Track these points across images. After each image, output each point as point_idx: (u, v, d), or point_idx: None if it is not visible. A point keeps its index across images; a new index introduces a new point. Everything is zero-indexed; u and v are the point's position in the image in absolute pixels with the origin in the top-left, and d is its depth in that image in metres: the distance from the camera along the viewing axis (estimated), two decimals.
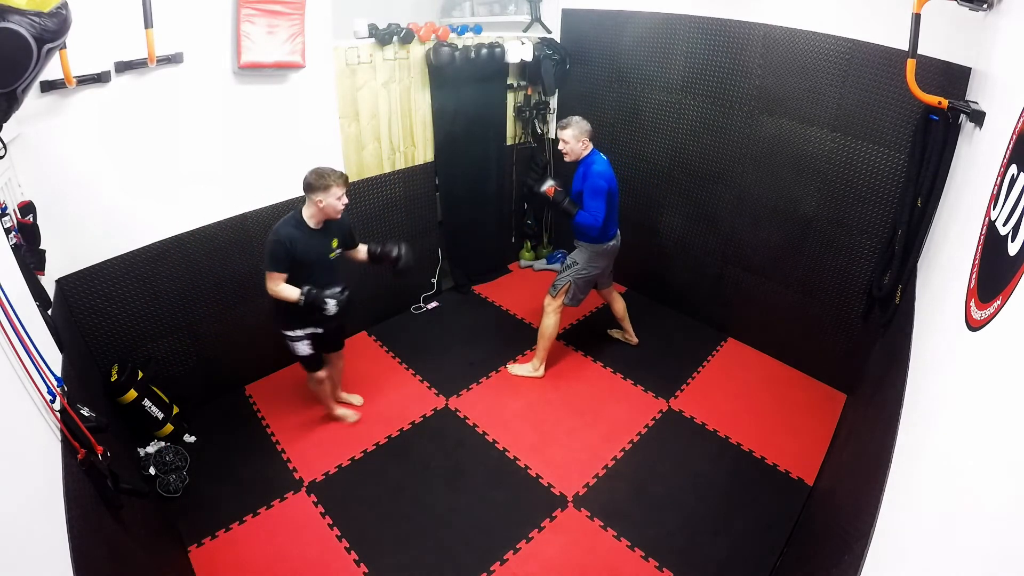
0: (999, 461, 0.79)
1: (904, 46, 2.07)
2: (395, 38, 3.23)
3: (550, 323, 3.24)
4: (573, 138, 2.90)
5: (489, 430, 3.01)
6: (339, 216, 2.45)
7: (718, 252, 3.70)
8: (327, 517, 2.51)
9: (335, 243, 2.55)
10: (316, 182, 2.34)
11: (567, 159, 2.98)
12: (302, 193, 3.02)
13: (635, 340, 3.67)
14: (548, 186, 2.95)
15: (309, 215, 2.42)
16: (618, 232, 3.17)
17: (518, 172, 4.44)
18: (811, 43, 2.87)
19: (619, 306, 3.56)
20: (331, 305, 2.40)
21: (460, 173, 3.98)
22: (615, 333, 3.75)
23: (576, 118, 2.92)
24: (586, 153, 2.95)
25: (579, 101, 4.10)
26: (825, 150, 2.98)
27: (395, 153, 3.57)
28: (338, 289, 2.44)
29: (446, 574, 2.29)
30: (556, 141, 4.37)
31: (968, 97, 2.10)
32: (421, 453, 2.88)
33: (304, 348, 2.64)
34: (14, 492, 1.08)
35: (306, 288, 2.39)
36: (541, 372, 3.39)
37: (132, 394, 2.57)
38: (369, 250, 2.71)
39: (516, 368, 3.44)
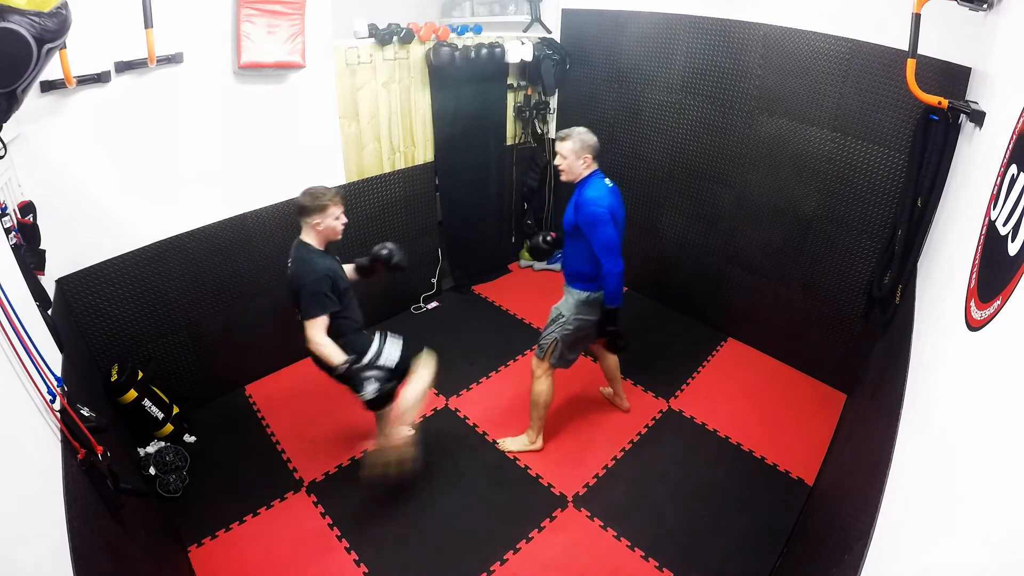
0: (999, 461, 0.79)
1: (904, 46, 2.07)
2: (395, 38, 3.23)
3: (542, 389, 2.70)
4: (572, 153, 2.36)
5: (489, 430, 3.01)
6: (339, 237, 2.22)
7: (718, 252, 3.70)
8: (327, 517, 2.51)
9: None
10: (312, 204, 2.13)
11: (563, 178, 2.46)
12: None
13: (627, 406, 3.12)
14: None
15: (314, 243, 2.20)
16: None
17: (518, 172, 4.44)
18: (811, 43, 2.87)
19: (610, 363, 2.99)
20: (369, 389, 2.06)
21: (460, 173, 3.98)
22: (605, 392, 3.22)
23: (580, 129, 2.40)
24: (586, 174, 2.41)
25: (579, 101, 4.11)
26: (825, 150, 2.98)
27: (395, 153, 3.57)
28: (376, 371, 2.13)
29: (446, 574, 2.29)
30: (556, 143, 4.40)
31: (968, 97, 2.10)
32: (421, 453, 2.87)
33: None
34: (14, 492, 1.08)
35: (352, 357, 2.13)
36: (539, 444, 2.85)
37: (132, 394, 2.57)
38: (357, 264, 2.45)
39: (509, 443, 2.89)
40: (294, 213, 2.23)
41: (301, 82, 2.89)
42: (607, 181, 2.45)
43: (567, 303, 2.58)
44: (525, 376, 3.39)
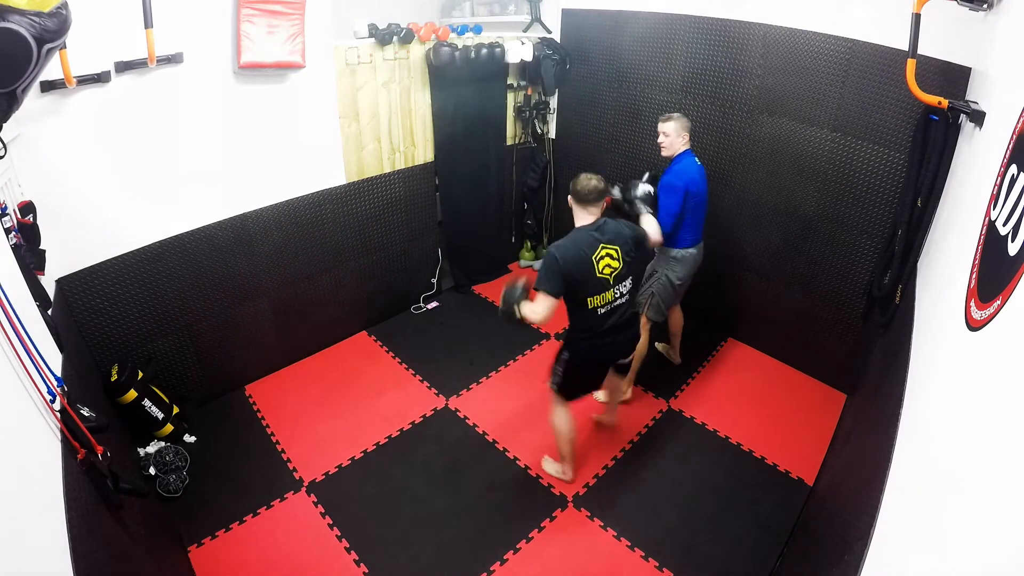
0: (999, 461, 0.79)
1: (904, 46, 2.08)
2: (395, 38, 3.23)
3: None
4: (675, 131, 2.77)
5: (489, 430, 3.01)
6: None
7: (718, 252, 3.68)
8: (327, 517, 2.51)
9: None
10: (605, 184, 2.26)
11: (664, 153, 2.86)
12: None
13: (678, 360, 3.50)
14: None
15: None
16: (699, 246, 2.99)
17: (518, 172, 4.44)
18: (811, 43, 2.87)
19: (676, 323, 3.36)
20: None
21: (460, 173, 3.98)
22: (661, 347, 3.57)
23: (678, 114, 2.82)
24: (681, 151, 2.81)
25: (579, 101, 4.10)
26: (825, 150, 2.98)
27: (395, 153, 3.57)
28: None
29: (446, 574, 2.29)
30: (556, 141, 4.41)
31: (968, 97, 2.10)
32: (421, 453, 2.88)
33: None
34: (14, 492, 1.08)
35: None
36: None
37: (132, 394, 2.57)
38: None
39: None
40: (590, 199, 2.22)
41: (301, 82, 2.89)
42: (696, 160, 2.83)
43: (657, 261, 3.02)
44: (525, 376, 3.41)
